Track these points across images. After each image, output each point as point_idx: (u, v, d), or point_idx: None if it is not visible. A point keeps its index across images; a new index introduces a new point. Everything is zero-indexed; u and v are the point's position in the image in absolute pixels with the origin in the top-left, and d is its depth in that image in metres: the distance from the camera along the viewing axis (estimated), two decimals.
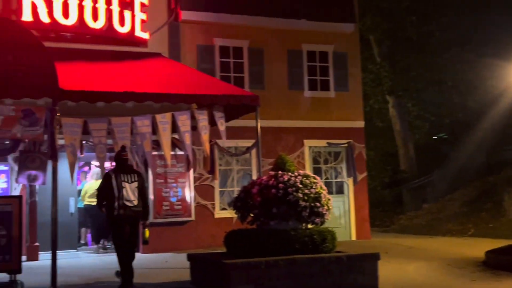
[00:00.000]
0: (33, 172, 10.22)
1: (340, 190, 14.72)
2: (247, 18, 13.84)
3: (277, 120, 13.92)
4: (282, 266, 7.19)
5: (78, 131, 8.30)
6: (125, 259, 7.85)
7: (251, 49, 14.02)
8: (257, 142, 9.98)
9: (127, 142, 8.51)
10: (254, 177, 13.48)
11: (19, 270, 7.68)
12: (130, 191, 7.79)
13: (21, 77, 7.95)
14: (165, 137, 8.96)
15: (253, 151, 12.88)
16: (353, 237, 14.49)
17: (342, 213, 14.55)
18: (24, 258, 11.43)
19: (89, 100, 8.81)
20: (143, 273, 9.30)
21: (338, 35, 14.86)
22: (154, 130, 9.10)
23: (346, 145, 14.57)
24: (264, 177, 7.99)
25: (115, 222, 7.82)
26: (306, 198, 7.58)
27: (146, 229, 8.52)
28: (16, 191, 12.04)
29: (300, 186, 7.66)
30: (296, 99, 14.42)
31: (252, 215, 7.93)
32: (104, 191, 7.87)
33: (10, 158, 11.06)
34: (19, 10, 10.66)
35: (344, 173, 14.70)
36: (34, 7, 10.73)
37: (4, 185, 12.12)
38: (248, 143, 12.27)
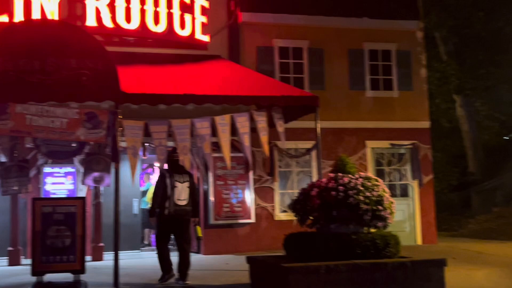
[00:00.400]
0: (98, 174, 10.46)
1: (404, 193, 14.26)
2: (307, 18, 13.67)
3: (338, 121, 13.65)
4: (343, 271, 6.99)
5: (139, 133, 8.42)
6: (165, 256, 8.38)
7: (311, 49, 13.83)
8: (317, 144, 9.82)
9: (187, 144, 8.56)
10: (315, 179, 13.30)
11: (82, 270, 7.82)
12: (181, 191, 8.24)
13: (85, 81, 8.16)
14: (224, 139, 8.96)
15: (313, 153, 12.71)
16: (419, 242, 14.00)
17: (407, 217, 14.09)
18: (89, 258, 11.76)
19: (150, 103, 8.96)
20: (203, 275, 9.33)
21: (402, 33, 14.43)
22: (214, 132, 9.12)
23: (410, 146, 14.11)
24: (324, 179, 7.81)
25: (165, 220, 8.26)
26: (367, 201, 7.33)
27: (197, 226, 8.95)
28: (82, 193, 12.38)
29: (361, 188, 7.42)
30: (358, 99, 14.10)
31: (311, 218, 7.77)
32: (160, 190, 8.28)
33: (76, 160, 11.39)
34: (83, 16, 10.97)
35: (409, 175, 14.25)
36: (98, 13, 11.01)
37: (71, 187, 12.49)
38: (308, 144, 12.14)
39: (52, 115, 8.00)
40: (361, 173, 7.87)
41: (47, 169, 12.39)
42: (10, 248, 11.27)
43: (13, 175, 10.73)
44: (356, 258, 7.16)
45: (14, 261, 11.11)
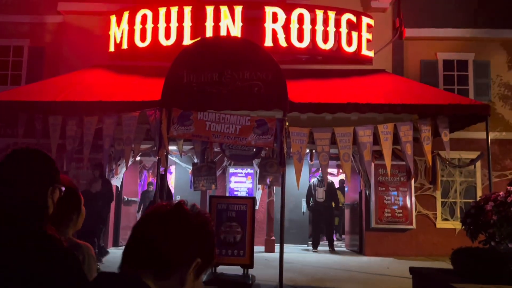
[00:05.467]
0: (272, 176, 9.58)
1: None
2: (472, 31, 11.31)
3: (504, 132, 11.03)
4: None
5: (304, 139, 7.27)
6: (315, 237, 11.24)
7: (477, 62, 11.40)
8: (488, 154, 7.69)
9: (349, 151, 7.17)
10: (479, 189, 10.87)
11: (251, 265, 6.89)
12: (320, 193, 11.13)
13: (256, 91, 7.26)
14: (386, 147, 7.37)
15: (478, 163, 10.38)
16: None
17: None
18: (262, 249, 10.95)
19: (315, 111, 7.76)
20: (366, 278, 7.80)
21: None
22: (377, 140, 7.59)
23: None
24: (501, 193, 5.80)
25: (312, 211, 11.32)
26: None
27: (336, 217, 12.72)
28: (258, 192, 11.72)
29: None
30: None
31: (483, 233, 5.81)
32: (308, 192, 11.20)
33: (254, 163, 10.70)
34: (262, 38, 10.20)
35: None
36: (274, 34, 10.16)
37: (250, 186, 11.88)
38: (472, 155, 10.03)
39: (227, 122, 7.23)
40: None
41: (231, 170, 11.95)
42: None
43: (203, 174, 10.33)
44: None
45: None
